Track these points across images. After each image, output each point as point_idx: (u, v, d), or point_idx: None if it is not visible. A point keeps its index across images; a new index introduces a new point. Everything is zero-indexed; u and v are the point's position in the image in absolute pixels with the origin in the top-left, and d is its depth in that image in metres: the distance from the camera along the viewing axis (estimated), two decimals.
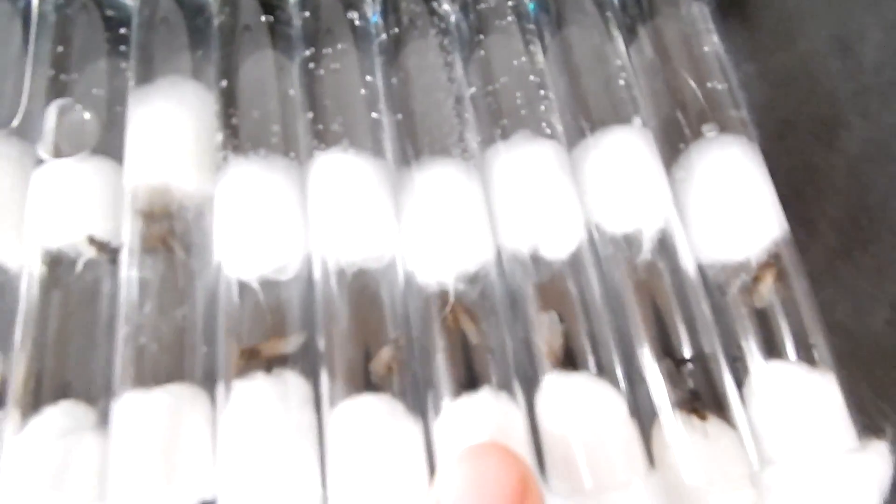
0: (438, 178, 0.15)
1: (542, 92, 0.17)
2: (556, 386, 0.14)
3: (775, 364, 0.14)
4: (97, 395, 0.14)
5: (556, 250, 0.16)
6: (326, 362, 0.15)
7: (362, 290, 0.16)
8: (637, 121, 0.16)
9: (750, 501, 0.13)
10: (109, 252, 0.16)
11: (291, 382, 0.14)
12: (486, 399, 0.14)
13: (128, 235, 0.15)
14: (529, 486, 0.11)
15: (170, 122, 0.16)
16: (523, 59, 0.17)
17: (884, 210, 0.17)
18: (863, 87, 0.19)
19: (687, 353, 0.14)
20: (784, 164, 0.16)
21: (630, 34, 0.18)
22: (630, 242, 0.15)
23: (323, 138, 0.16)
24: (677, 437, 0.13)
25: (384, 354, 0.15)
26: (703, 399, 0.14)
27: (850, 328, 0.16)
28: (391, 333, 0.15)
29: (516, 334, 0.15)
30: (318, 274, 0.16)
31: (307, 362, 0.15)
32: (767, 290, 0.15)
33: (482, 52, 0.17)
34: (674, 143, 0.16)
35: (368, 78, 0.17)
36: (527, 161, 0.16)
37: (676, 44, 0.17)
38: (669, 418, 0.13)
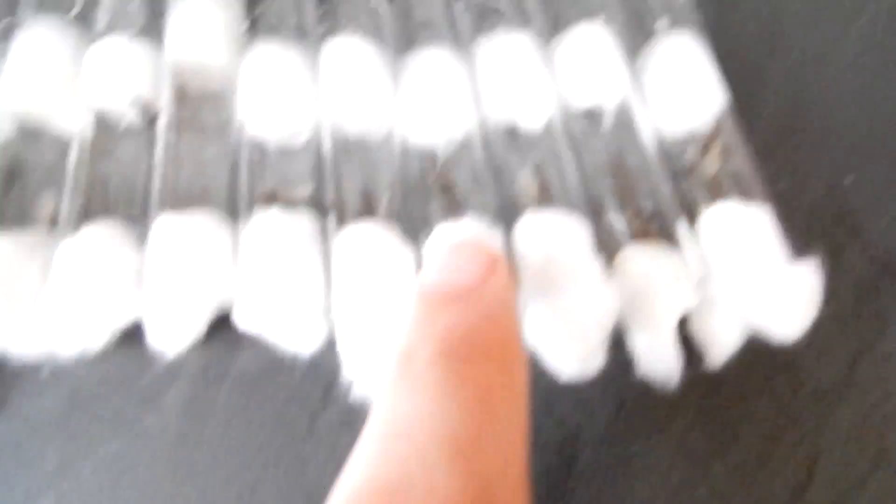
0: (431, 58, 0.18)
1: None
2: (529, 221, 0.16)
3: (720, 204, 0.16)
4: (136, 218, 0.17)
5: (532, 122, 0.18)
6: (333, 207, 0.17)
7: (364, 153, 0.18)
8: (600, 18, 0.19)
9: (693, 300, 0.15)
10: (150, 115, 0.18)
11: (303, 217, 0.17)
12: (469, 223, 0.16)
13: (166, 101, 0.18)
14: (498, 265, 0.13)
15: (204, 12, 0.19)
16: None
17: (819, 104, 0.20)
18: (798, 9, 0.21)
19: (644, 204, 0.17)
20: (731, 67, 0.19)
21: None
22: (593, 115, 0.18)
23: (333, 26, 0.19)
24: (632, 253, 0.15)
25: (383, 200, 0.17)
26: (656, 232, 0.16)
27: (790, 199, 0.18)
28: (387, 187, 0.17)
29: (498, 190, 0.18)
30: (326, 139, 0.18)
31: (316, 207, 0.17)
32: (715, 157, 0.17)
33: None
34: (635, 38, 0.19)
35: None
36: (507, 48, 0.18)
37: None
38: (627, 244, 0.16)
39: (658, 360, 0.15)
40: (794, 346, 0.17)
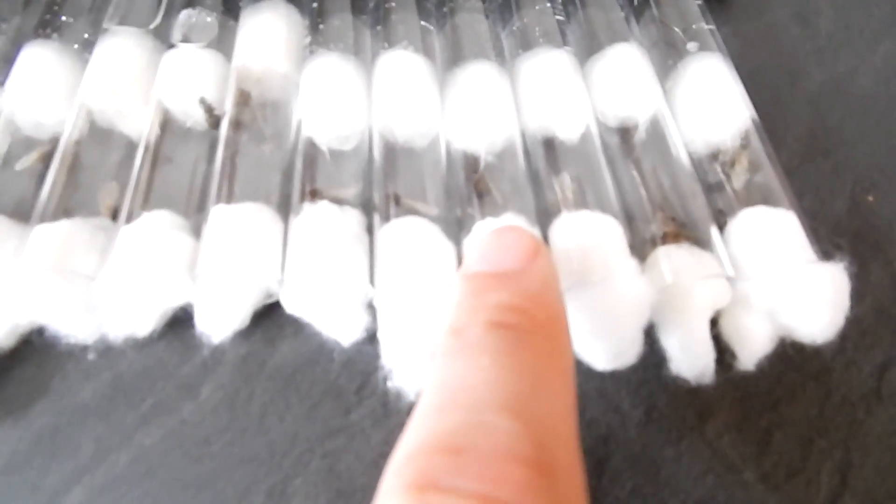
0: (476, 72, 0.19)
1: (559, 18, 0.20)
2: (566, 220, 0.16)
3: (749, 209, 0.16)
4: (191, 211, 0.17)
5: (568, 134, 0.19)
6: (378, 209, 0.17)
7: (410, 158, 0.19)
8: (633, 41, 0.19)
9: (725, 298, 0.15)
10: (213, 116, 0.19)
11: (350, 212, 0.17)
12: (509, 218, 0.16)
13: (229, 104, 0.19)
14: (542, 250, 0.12)
15: (271, 25, 0.20)
16: (547, 4, 0.21)
17: (839, 130, 0.20)
18: (818, 47, 0.22)
19: (676, 213, 0.17)
20: (755, 98, 0.19)
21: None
22: (627, 129, 0.18)
23: (387, 43, 0.20)
24: (664, 252, 0.15)
25: (426, 202, 0.18)
26: (688, 236, 0.16)
27: (814, 215, 0.18)
28: (431, 190, 0.18)
29: (535, 196, 0.18)
30: (376, 143, 0.19)
31: (362, 207, 0.18)
32: (743, 169, 0.18)
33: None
34: (666, 60, 0.19)
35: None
36: (547, 64, 0.19)
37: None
38: (657, 245, 0.16)
39: (691, 356, 0.14)
40: (823, 356, 0.17)
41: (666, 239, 0.16)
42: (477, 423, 0.09)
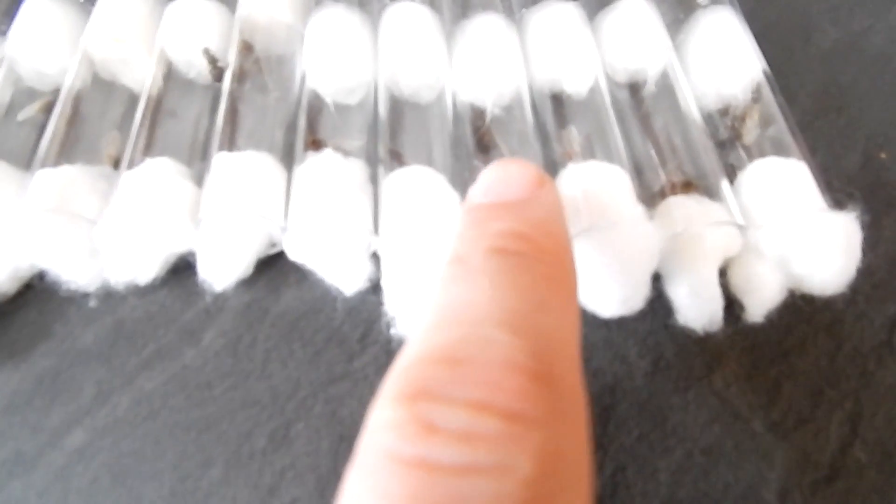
0: (484, 23, 0.18)
1: None
2: (573, 170, 0.16)
3: (760, 160, 0.16)
4: (193, 160, 0.17)
5: (577, 87, 0.18)
6: (384, 159, 0.17)
7: (416, 111, 0.18)
8: None
9: (735, 247, 0.15)
10: (217, 68, 0.19)
11: (354, 161, 0.17)
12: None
13: (233, 53, 0.18)
14: (546, 180, 0.12)
15: None
16: None
17: (852, 87, 0.20)
18: (832, 5, 0.21)
19: (686, 167, 0.17)
20: (767, 53, 0.19)
21: None
22: (636, 83, 0.18)
23: None
24: (674, 201, 0.15)
25: (432, 155, 0.18)
26: (697, 187, 0.16)
27: (827, 171, 0.18)
28: (436, 142, 0.18)
29: (543, 150, 0.18)
30: (381, 96, 0.18)
31: (367, 159, 0.18)
32: (754, 124, 0.17)
33: None
34: (677, 13, 0.19)
35: None
36: (555, 17, 0.19)
37: None
38: (667, 195, 0.15)
39: (699, 304, 0.14)
40: (834, 308, 0.17)
41: (675, 189, 0.15)
42: (475, 336, 0.09)
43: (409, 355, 0.09)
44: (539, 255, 0.10)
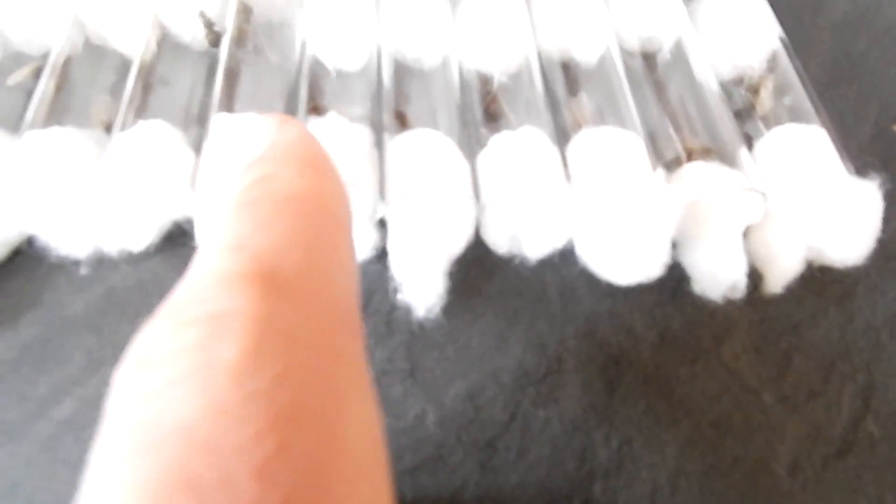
0: None
1: None
2: (586, 135, 0.16)
3: (778, 128, 0.15)
4: (189, 124, 0.17)
5: (587, 56, 0.18)
6: (387, 127, 0.17)
7: (420, 78, 0.18)
8: None
9: (756, 215, 0.14)
10: (213, 32, 0.18)
11: (359, 127, 0.16)
12: (526, 130, 0.15)
13: (230, 18, 0.18)
14: (287, 120, 0.12)
15: None
16: None
17: (863, 58, 0.19)
18: None
19: (702, 136, 0.16)
20: (779, 24, 0.19)
21: None
22: (649, 52, 0.18)
23: None
24: (692, 168, 0.14)
25: (438, 122, 0.17)
26: (715, 154, 0.15)
27: (840, 140, 0.18)
28: (442, 110, 0.17)
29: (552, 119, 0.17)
30: (384, 64, 0.18)
31: (371, 126, 0.17)
32: (768, 94, 0.17)
33: None
34: None
35: None
36: None
37: None
38: (683, 163, 0.15)
39: (721, 272, 0.14)
40: (846, 280, 0.16)
41: (693, 156, 0.15)
42: (197, 270, 0.08)
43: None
44: (273, 189, 0.10)
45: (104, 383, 0.14)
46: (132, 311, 0.15)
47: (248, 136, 0.12)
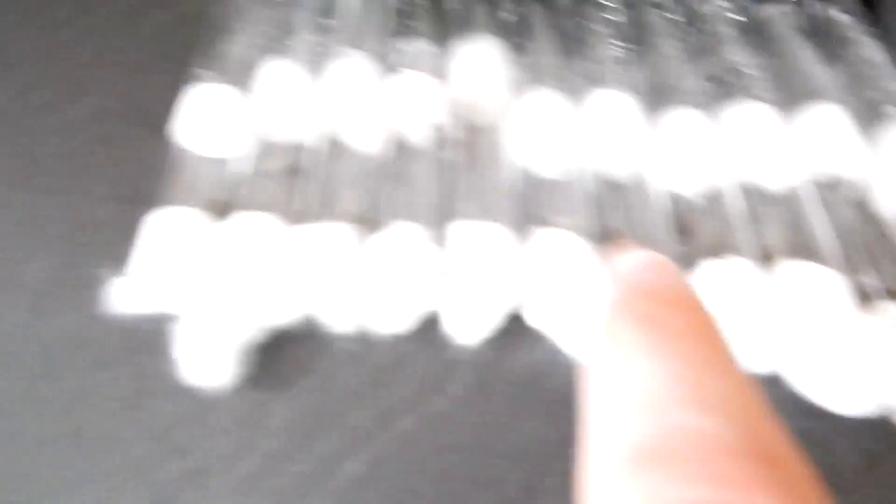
0: (684, 116, 0.20)
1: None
2: (788, 268, 0.18)
3: None
4: (433, 223, 0.19)
5: (775, 185, 0.20)
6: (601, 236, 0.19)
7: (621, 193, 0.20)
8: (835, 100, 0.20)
9: None
10: (443, 140, 0.20)
11: (576, 237, 0.19)
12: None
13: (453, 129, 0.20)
14: (663, 259, 0.12)
15: (484, 59, 0.21)
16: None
17: None
18: None
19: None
20: None
21: None
22: (831, 185, 0.20)
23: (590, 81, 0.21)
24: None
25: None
26: None
27: None
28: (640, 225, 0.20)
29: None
30: (588, 177, 0.20)
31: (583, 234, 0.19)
32: None
33: None
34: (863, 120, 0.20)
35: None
36: (751, 115, 0.20)
37: None
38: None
39: None
40: None
41: (890, 294, 0.17)
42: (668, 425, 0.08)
43: (606, 454, 0.08)
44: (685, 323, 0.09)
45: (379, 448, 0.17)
46: (393, 387, 0.17)
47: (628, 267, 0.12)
